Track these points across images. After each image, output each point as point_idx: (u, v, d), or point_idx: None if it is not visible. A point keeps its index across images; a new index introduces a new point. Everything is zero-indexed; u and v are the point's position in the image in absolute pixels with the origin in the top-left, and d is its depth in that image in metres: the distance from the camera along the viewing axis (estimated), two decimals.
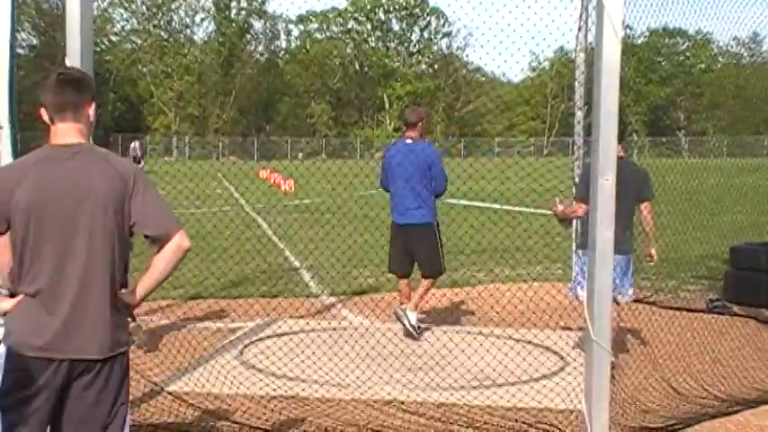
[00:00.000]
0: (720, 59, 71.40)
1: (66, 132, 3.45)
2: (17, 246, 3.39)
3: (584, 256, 6.80)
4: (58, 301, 3.35)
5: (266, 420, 5.88)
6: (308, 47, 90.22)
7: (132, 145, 34.52)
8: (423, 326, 8.89)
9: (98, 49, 67.21)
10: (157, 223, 3.42)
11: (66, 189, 3.35)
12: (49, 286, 3.35)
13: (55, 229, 3.34)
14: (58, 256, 3.34)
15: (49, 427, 3.43)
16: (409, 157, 8.31)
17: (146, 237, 3.45)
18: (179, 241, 3.41)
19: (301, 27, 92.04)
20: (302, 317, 9.33)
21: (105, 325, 3.38)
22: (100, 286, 3.38)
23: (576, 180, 9.43)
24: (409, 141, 8.47)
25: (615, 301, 6.76)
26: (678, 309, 9.75)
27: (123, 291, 3.50)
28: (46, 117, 3.48)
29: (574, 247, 7.45)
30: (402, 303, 8.48)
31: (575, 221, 7.68)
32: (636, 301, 9.75)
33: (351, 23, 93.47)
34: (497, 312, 8.77)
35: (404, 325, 8.28)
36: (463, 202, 17.42)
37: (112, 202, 3.37)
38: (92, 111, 3.54)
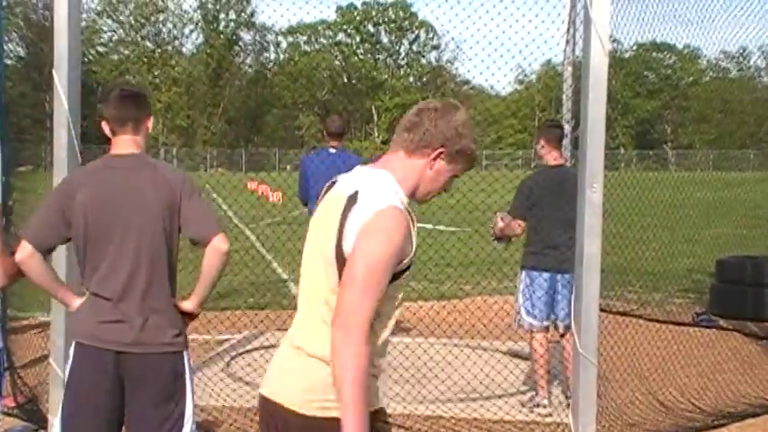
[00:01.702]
0: (709, 73, 71.85)
1: (124, 144, 3.72)
2: (78, 247, 3.66)
3: (535, 277, 6.51)
4: (110, 298, 3.58)
5: None
6: (296, 59, 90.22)
7: None
8: (408, 339, 8.88)
9: (86, 59, 67.01)
10: (198, 227, 3.67)
11: (121, 195, 3.61)
12: (103, 285, 3.59)
13: (109, 233, 3.59)
14: (111, 257, 3.59)
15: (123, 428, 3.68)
16: (334, 168, 7.98)
17: (189, 239, 3.72)
18: (216, 245, 3.65)
19: (290, 39, 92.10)
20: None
21: (156, 323, 3.60)
22: (152, 285, 3.62)
23: None
24: (333, 150, 8.11)
25: (561, 333, 6.55)
26: (664, 322, 9.77)
27: (183, 302, 3.75)
28: (107, 130, 3.76)
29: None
30: None
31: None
32: (622, 314, 9.79)
33: (340, 36, 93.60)
34: (484, 325, 8.77)
35: None
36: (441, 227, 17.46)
37: (161, 208, 3.62)
38: (150, 124, 3.81)
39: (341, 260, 2.60)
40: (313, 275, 2.73)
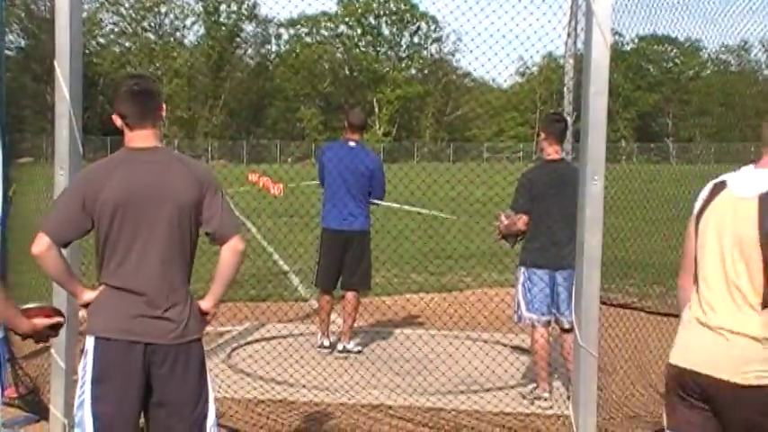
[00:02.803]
0: (709, 66, 71.69)
1: (145, 137, 3.74)
2: (100, 240, 3.66)
3: (533, 274, 6.45)
4: (141, 291, 3.60)
5: (254, 425, 5.88)
6: (298, 51, 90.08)
7: None
8: (409, 331, 8.91)
9: (87, 51, 66.87)
10: (219, 224, 3.74)
11: (150, 188, 3.63)
12: (132, 278, 3.61)
13: (138, 225, 3.61)
14: (141, 249, 3.61)
15: (142, 415, 3.70)
16: (351, 162, 7.95)
17: (207, 234, 3.77)
18: (233, 244, 3.75)
19: (292, 31, 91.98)
20: (291, 321, 9.32)
21: (180, 314, 3.65)
22: (176, 278, 3.67)
23: None
24: (352, 144, 8.11)
25: (564, 328, 6.49)
26: (665, 314, 9.74)
27: (200, 302, 3.82)
28: (119, 123, 3.75)
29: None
30: (322, 324, 8.13)
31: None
32: (623, 306, 9.79)
33: (341, 28, 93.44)
34: (485, 317, 8.78)
35: (345, 350, 8.07)
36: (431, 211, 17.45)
37: (189, 201, 3.66)
38: (163, 112, 3.84)
39: (766, 246, 3.13)
40: (726, 269, 3.24)
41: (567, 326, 6.43)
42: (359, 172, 7.98)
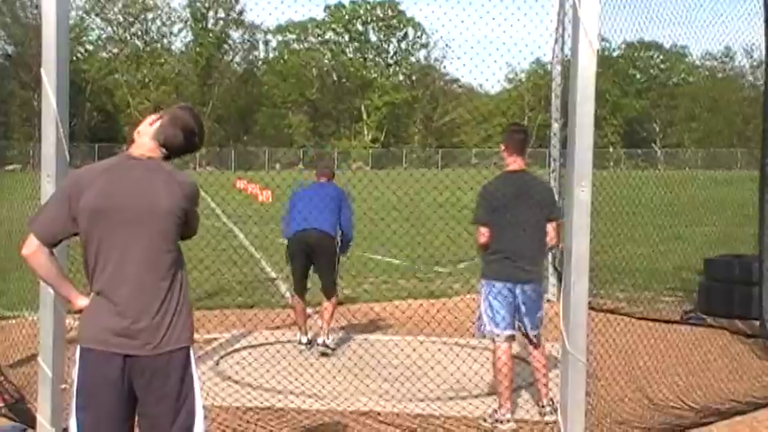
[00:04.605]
0: (695, 72, 72.06)
1: (146, 148, 3.71)
2: (83, 246, 3.62)
3: (492, 287, 6.23)
4: (117, 301, 3.56)
5: None
6: (285, 57, 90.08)
7: None
8: (397, 337, 8.91)
9: (74, 57, 66.73)
10: (189, 231, 3.82)
11: (130, 198, 3.58)
12: (110, 286, 3.57)
13: (115, 234, 3.56)
14: (118, 259, 3.57)
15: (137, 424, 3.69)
16: (320, 189, 8.48)
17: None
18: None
19: (279, 37, 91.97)
20: (278, 327, 9.30)
21: (160, 325, 3.59)
22: (156, 288, 3.60)
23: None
24: (324, 181, 8.67)
25: (530, 338, 6.35)
26: (653, 320, 9.79)
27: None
28: (137, 134, 3.75)
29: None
30: (300, 329, 8.52)
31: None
32: (611, 311, 9.82)
33: (329, 34, 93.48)
34: (473, 323, 8.76)
35: (323, 346, 8.25)
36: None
37: (171, 214, 3.61)
38: None
39: None
40: None
41: (534, 339, 6.36)
42: (329, 197, 8.39)
